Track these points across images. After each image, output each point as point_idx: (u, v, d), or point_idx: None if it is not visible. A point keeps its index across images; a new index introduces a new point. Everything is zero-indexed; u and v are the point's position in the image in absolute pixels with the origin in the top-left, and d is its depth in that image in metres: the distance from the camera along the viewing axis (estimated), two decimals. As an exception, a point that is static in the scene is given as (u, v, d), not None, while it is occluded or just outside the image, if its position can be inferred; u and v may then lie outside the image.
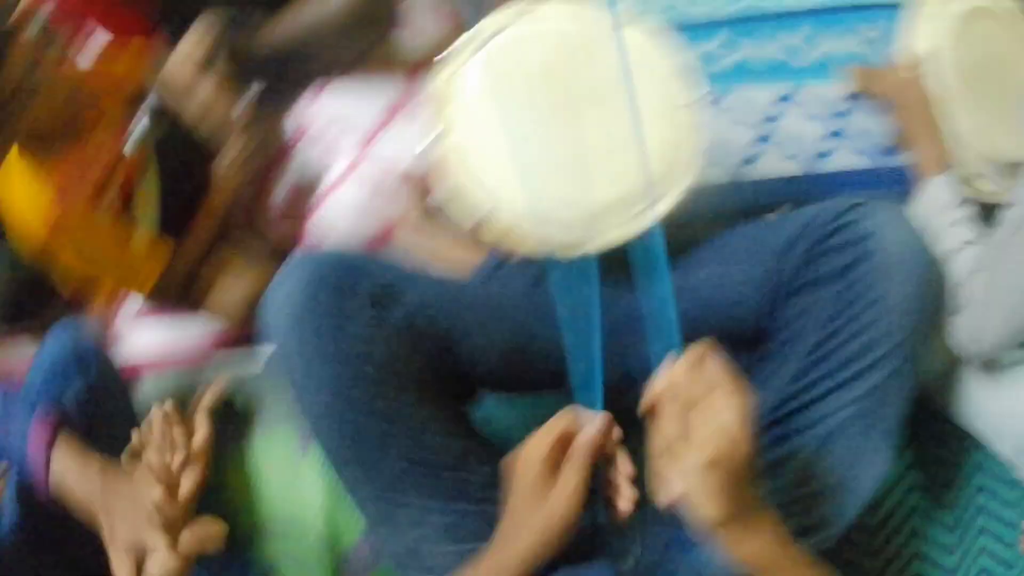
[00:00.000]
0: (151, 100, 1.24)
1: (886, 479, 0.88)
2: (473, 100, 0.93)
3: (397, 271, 0.90)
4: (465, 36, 0.97)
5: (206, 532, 0.86)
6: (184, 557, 0.84)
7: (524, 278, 0.98)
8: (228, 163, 1.28)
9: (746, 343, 0.95)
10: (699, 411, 0.67)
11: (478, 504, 0.85)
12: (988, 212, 1.06)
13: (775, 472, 0.84)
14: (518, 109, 0.92)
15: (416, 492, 0.84)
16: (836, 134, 1.32)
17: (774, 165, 1.28)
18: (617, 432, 0.78)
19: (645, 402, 0.71)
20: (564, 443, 0.76)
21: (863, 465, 0.85)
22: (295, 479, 1.19)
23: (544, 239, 0.88)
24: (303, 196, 1.39)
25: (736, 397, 0.67)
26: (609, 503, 0.79)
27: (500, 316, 0.94)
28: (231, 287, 1.26)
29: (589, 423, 0.77)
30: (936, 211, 1.04)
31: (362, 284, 0.84)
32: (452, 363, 0.91)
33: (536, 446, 0.75)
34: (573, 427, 0.76)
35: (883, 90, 1.26)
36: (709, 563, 0.83)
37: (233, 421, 1.23)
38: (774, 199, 1.19)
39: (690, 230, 0.98)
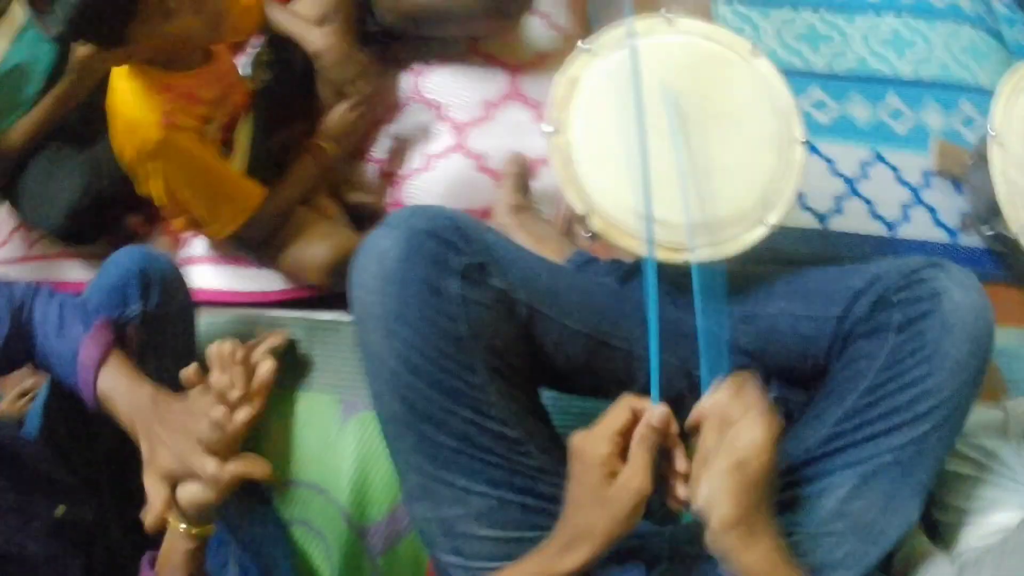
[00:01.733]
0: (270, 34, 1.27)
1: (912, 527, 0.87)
2: (594, 100, 0.94)
3: (494, 248, 0.87)
4: (602, 36, 0.97)
5: (253, 464, 0.82)
6: (223, 488, 0.81)
7: (612, 277, 0.97)
8: (344, 112, 1.28)
9: (808, 378, 0.95)
10: (734, 428, 0.73)
11: (521, 494, 0.84)
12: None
13: (813, 503, 0.84)
14: (640, 113, 0.91)
15: (463, 472, 0.83)
16: (921, 202, 1.33)
17: (858, 222, 1.28)
18: (675, 426, 0.76)
19: (691, 417, 0.76)
20: (626, 433, 0.75)
21: (893, 513, 0.84)
22: (330, 448, 1.19)
23: (642, 240, 0.88)
24: (401, 159, 1.39)
25: (765, 418, 0.73)
26: (664, 496, 0.77)
27: (587, 307, 0.92)
28: (313, 248, 1.25)
29: (650, 412, 0.75)
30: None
31: (457, 258, 0.82)
32: (530, 348, 0.89)
33: (596, 440, 0.74)
34: (634, 416, 0.76)
35: (959, 171, 1.26)
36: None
37: (284, 376, 1.21)
38: (851, 253, 1.18)
39: (768, 266, 0.98)
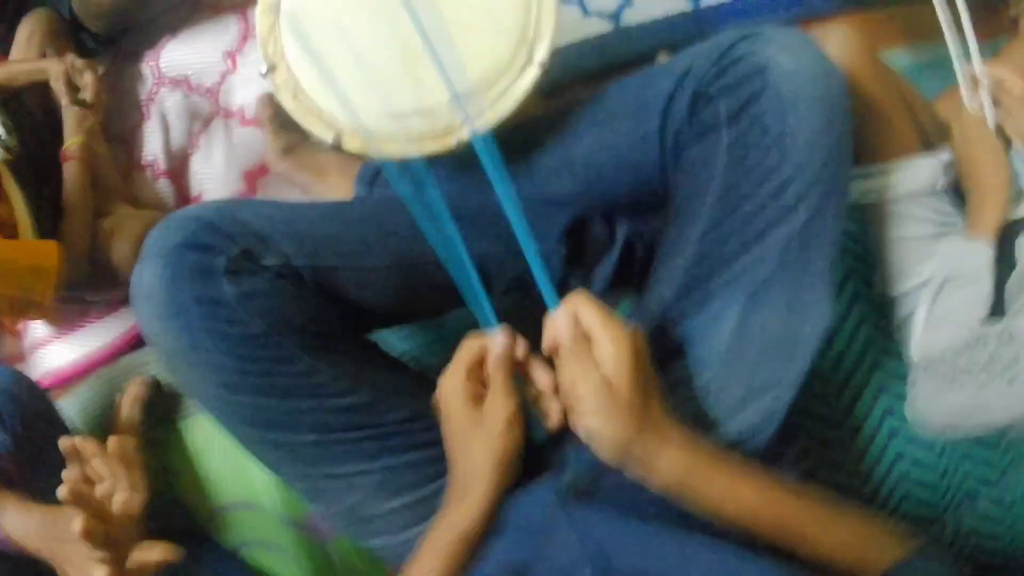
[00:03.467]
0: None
1: (830, 324, 0.78)
2: (300, 18, 0.81)
3: (256, 224, 0.77)
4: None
5: (151, 552, 0.79)
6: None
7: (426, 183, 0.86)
8: (71, 129, 1.19)
9: (656, 205, 0.84)
10: (588, 356, 0.67)
11: (401, 454, 0.77)
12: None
13: (706, 338, 0.75)
14: (345, 20, 0.80)
15: (336, 461, 0.77)
16: None
17: (654, 5, 1.13)
18: (522, 344, 0.72)
19: (544, 348, 0.70)
20: (480, 365, 0.72)
21: (800, 317, 0.75)
22: (235, 461, 1.11)
23: (405, 139, 0.78)
24: (171, 153, 1.29)
25: (608, 338, 0.66)
26: (542, 417, 0.72)
27: (378, 237, 0.83)
28: (117, 247, 1.17)
29: (493, 341, 0.71)
30: (912, 193, 0.94)
31: (220, 258, 0.73)
32: (339, 305, 0.80)
33: (451, 382, 0.72)
34: (482, 351, 0.72)
35: None
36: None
37: (163, 409, 1.15)
38: (654, 44, 1.06)
39: (564, 97, 0.88)
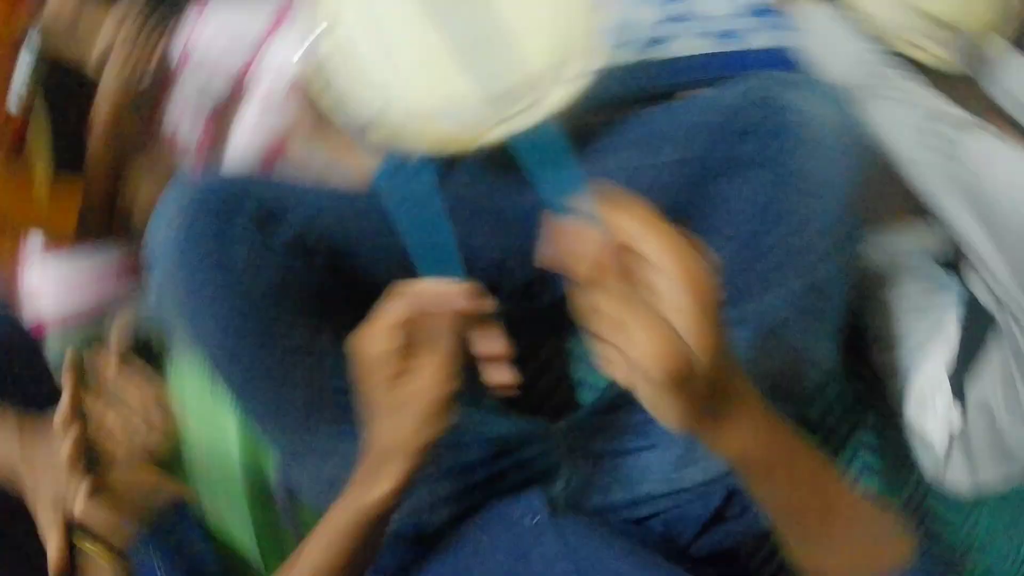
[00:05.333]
0: (32, 43, 1.15)
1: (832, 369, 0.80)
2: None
3: (284, 188, 0.80)
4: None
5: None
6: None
7: (421, 180, 0.87)
8: (110, 77, 1.16)
9: None
10: (637, 307, 0.47)
11: None
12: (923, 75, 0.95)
13: None
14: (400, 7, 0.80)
15: (325, 421, 0.77)
16: (752, 12, 1.18)
17: (684, 44, 1.15)
18: (489, 303, 0.63)
19: (579, 270, 0.50)
20: (407, 325, 0.61)
21: (805, 366, 0.77)
22: (210, 409, 1.09)
23: (438, 135, 0.78)
24: (200, 116, 1.27)
25: (688, 290, 0.46)
26: (489, 388, 0.66)
27: (392, 227, 0.84)
28: (142, 192, 1.17)
29: (451, 293, 0.62)
30: (909, 252, 0.97)
31: (245, 206, 0.75)
32: (348, 279, 0.81)
33: (379, 327, 0.61)
34: (415, 303, 0.61)
35: None
36: (647, 470, 0.78)
37: (147, 354, 1.11)
38: (686, 81, 1.09)
39: (597, 116, 0.90)
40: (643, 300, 0.46)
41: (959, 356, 0.94)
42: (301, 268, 0.77)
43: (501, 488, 0.74)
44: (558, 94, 0.80)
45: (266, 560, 1.04)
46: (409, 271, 0.84)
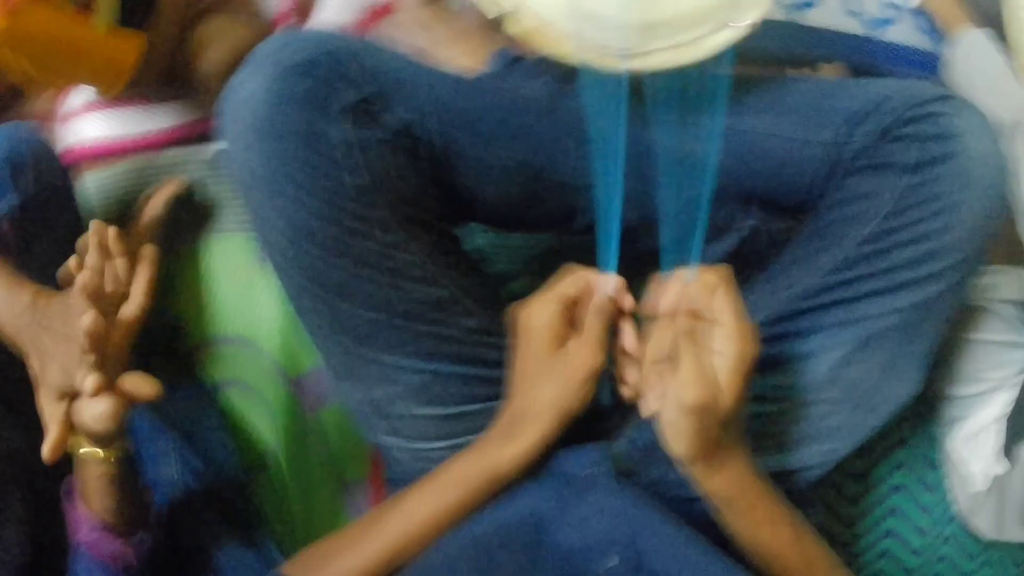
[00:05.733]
0: None
1: (905, 406, 0.77)
2: None
3: (386, 75, 0.69)
4: None
5: (138, 384, 0.70)
6: (113, 408, 0.68)
7: (545, 86, 0.78)
8: None
9: (793, 208, 0.81)
10: (694, 342, 0.59)
11: (457, 363, 0.71)
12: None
13: (803, 365, 0.73)
14: None
15: (387, 347, 0.70)
16: (907, 8, 1.14)
17: (832, 18, 1.09)
18: (629, 301, 0.66)
19: (649, 301, 0.63)
20: (573, 303, 0.66)
21: (893, 381, 0.74)
22: (250, 293, 1.04)
23: (585, 43, 0.70)
24: None
25: (736, 344, 0.59)
26: (615, 379, 0.68)
27: (513, 131, 0.75)
28: (208, 54, 1.07)
29: (604, 285, 0.66)
30: (1009, 299, 0.92)
31: (340, 96, 0.65)
32: (448, 188, 0.73)
33: (543, 312, 0.65)
34: (583, 291, 0.66)
35: None
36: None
37: (189, 219, 1.07)
38: (825, 53, 1.02)
39: (739, 70, 0.83)
40: (697, 340, 0.59)
41: (1016, 410, 0.91)
42: (406, 161, 0.69)
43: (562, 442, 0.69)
44: (716, 39, 0.72)
45: (286, 455, 0.99)
46: (524, 185, 0.77)
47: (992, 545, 1.00)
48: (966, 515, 0.96)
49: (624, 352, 0.66)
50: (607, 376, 0.68)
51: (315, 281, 0.68)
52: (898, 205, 0.71)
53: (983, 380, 0.93)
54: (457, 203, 0.76)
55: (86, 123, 1.14)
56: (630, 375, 0.66)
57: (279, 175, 0.65)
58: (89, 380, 0.66)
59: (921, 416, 1.00)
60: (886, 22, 1.12)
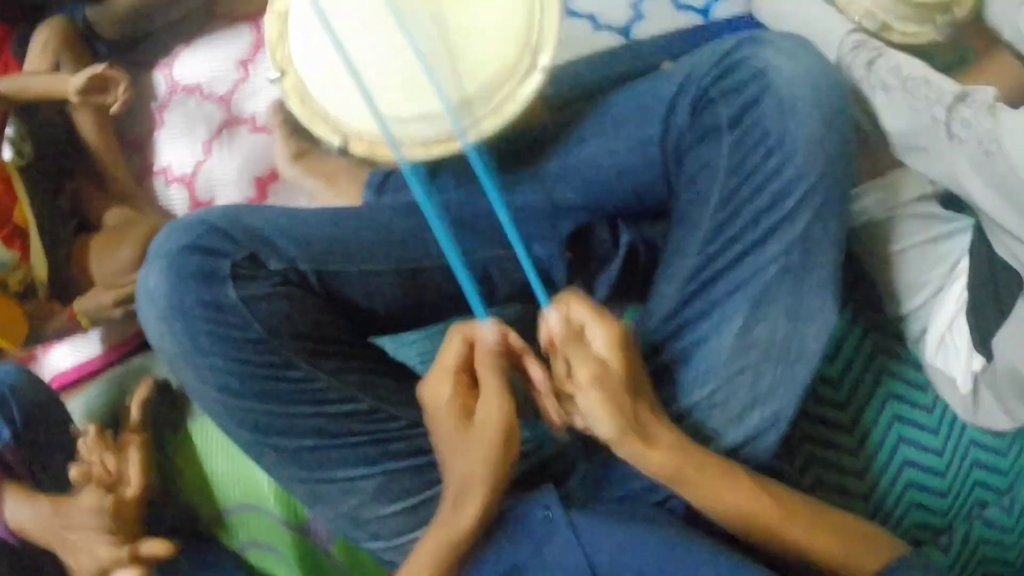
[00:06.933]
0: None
1: (835, 331, 0.78)
2: (309, 26, 0.79)
3: (262, 229, 0.76)
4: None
5: (152, 547, 0.87)
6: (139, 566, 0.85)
7: (406, 192, 0.85)
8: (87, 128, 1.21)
9: (659, 211, 0.83)
10: (579, 348, 0.66)
11: (402, 459, 0.75)
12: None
13: (711, 345, 0.73)
14: (356, 25, 0.78)
15: (336, 465, 0.74)
16: None
17: (665, 19, 1.12)
18: (514, 336, 0.68)
19: (542, 344, 0.69)
20: (466, 366, 0.67)
21: (804, 322, 0.73)
22: (242, 462, 1.08)
23: (410, 143, 0.76)
24: (183, 159, 1.27)
25: (600, 327, 0.66)
26: (542, 414, 0.69)
27: (385, 241, 0.81)
28: (121, 253, 1.16)
29: (483, 335, 0.67)
30: (909, 200, 0.93)
31: (224, 261, 0.71)
32: (343, 310, 0.78)
33: (436, 387, 0.66)
34: (468, 343, 0.67)
35: None
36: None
37: (170, 410, 1.14)
38: (671, 57, 1.05)
39: (575, 107, 0.87)
40: (580, 342, 0.67)
41: (970, 302, 0.90)
42: (296, 300, 0.74)
43: (515, 484, 0.69)
44: (526, 88, 0.77)
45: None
46: (407, 285, 0.81)
47: (1021, 432, 0.98)
48: (971, 419, 0.93)
49: (536, 388, 0.68)
50: (534, 415, 0.69)
51: (252, 428, 0.73)
52: (731, 163, 0.72)
53: (926, 283, 0.92)
54: (359, 321, 0.80)
55: (59, 353, 1.26)
56: (549, 405, 0.67)
57: (190, 349, 0.71)
58: (104, 551, 0.83)
59: (889, 348, 1.00)
60: (714, 1, 1.14)
